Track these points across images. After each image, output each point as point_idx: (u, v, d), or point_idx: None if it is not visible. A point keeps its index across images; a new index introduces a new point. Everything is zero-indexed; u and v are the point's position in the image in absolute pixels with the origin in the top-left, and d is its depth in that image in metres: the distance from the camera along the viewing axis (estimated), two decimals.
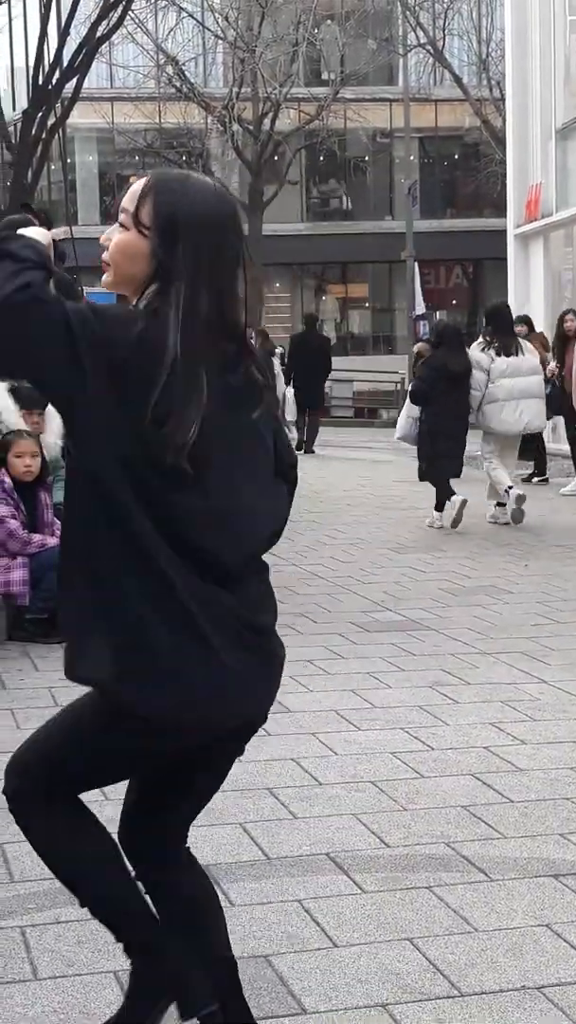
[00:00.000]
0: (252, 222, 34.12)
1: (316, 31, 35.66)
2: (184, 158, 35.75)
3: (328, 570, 8.90)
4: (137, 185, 2.43)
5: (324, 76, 37.51)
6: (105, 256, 2.47)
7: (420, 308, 29.00)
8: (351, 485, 14.12)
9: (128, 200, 2.42)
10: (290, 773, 4.64)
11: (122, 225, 2.42)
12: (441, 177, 40.82)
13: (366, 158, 40.69)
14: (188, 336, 2.31)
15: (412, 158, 34.66)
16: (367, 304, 41.61)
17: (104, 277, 2.50)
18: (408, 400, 11.45)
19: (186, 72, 33.41)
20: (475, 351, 10.91)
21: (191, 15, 33.96)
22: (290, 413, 19.65)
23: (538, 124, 20.41)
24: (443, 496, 10.74)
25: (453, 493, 10.61)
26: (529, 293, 20.77)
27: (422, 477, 11.11)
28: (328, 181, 41.16)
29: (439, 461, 10.76)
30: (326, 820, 4.18)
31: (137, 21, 29.83)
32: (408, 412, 11.29)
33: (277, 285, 39.95)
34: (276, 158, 34.93)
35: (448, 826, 4.13)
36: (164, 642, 2.35)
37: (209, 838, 3.93)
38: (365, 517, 11.63)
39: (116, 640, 2.36)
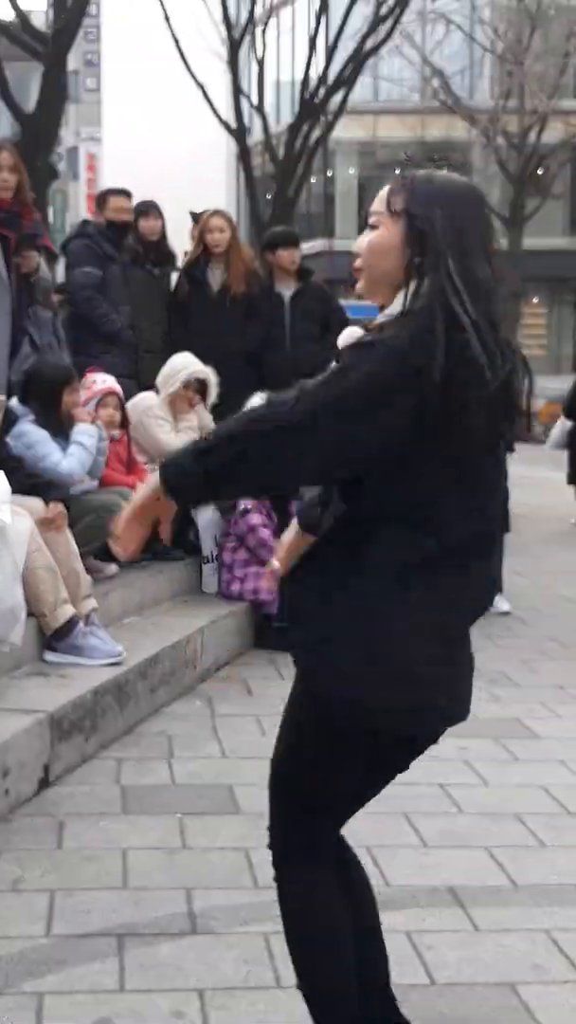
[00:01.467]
0: (512, 236, 33.81)
1: None
2: (445, 171, 35.66)
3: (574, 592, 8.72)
4: (383, 190, 2.47)
5: None
6: (357, 263, 2.50)
7: None
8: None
9: (377, 202, 2.47)
10: (539, 800, 4.56)
11: (372, 226, 2.46)
12: None
13: None
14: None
15: None
16: None
17: (358, 285, 2.53)
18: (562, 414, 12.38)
19: (451, 85, 33.38)
20: None
21: (460, 27, 33.91)
22: None
23: None
24: None
25: None
26: None
27: (570, 480, 12.02)
28: None
29: None
30: (456, 852, 4.07)
31: (405, 34, 29.96)
32: (562, 425, 12.34)
33: (535, 300, 39.47)
34: (540, 171, 34.53)
35: None
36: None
37: (454, 860, 3.89)
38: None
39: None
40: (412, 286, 2.35)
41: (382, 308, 2.51)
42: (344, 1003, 2.56)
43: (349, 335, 2.63)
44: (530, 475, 14.17)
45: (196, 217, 8.25)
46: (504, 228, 34.05)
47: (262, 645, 6.76)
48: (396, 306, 2.39)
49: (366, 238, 2.47)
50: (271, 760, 2.61)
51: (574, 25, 33.06)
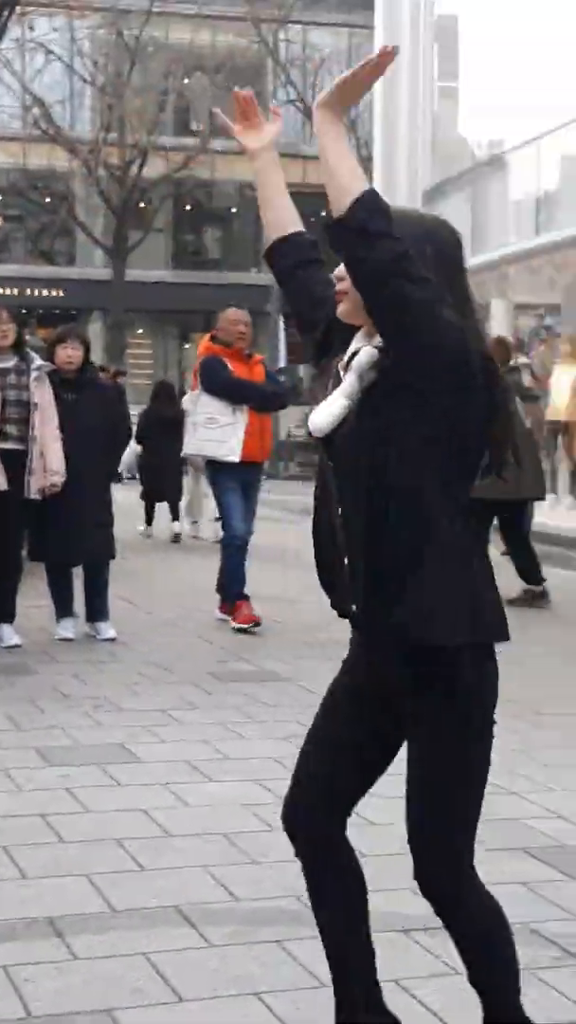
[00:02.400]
0: (116, 267, 34.12)
1: (186, 81, 35.97)
2: (48, 200, 35.59)
3: (183, 619, 8.83)
4: None
5: (193, 127, 37.75)
6: (342, 286, 2.65)
7: (283, 361, 29.21)
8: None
9: None
10: (139, 824, 4.56)
11: None
12: (308, 232, 41.24)
13: (233, 210, 40.98)
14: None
15: None
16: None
17: (341, 307, 2.68)
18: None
19: (52, 115, 33.34)
20: None
21: (59, 58, 33.94)
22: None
23: (404, 186, 20.82)
24: None
25: None
26: None
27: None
28: (194, 230, 41.34)
29: None
30: (175, 872, 4.11)
31: (3, 61, 29.72)
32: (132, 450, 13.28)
33: (140, 331, 39.92)
34: (142, 205, 35.00)
35: (299, 880, 4.03)
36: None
37: (53, 890, 3.83)
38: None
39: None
40: None
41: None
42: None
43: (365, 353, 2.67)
44: (127, 500, 14.32)
45: None
46: (108, 259, 34.31)
47: None
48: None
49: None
50: (416, 816, 2.80)
51: (171, 63, 33.78)
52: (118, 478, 12.70)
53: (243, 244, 41.07)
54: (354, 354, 2.65)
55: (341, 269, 2.66)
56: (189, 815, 4.69)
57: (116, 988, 3.30)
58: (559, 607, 9.58)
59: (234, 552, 8.65)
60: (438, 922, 3.72)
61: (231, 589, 8.67)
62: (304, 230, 3.04)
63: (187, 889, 3.97)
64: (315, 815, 2.92)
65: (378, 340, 2.61)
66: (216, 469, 8.60)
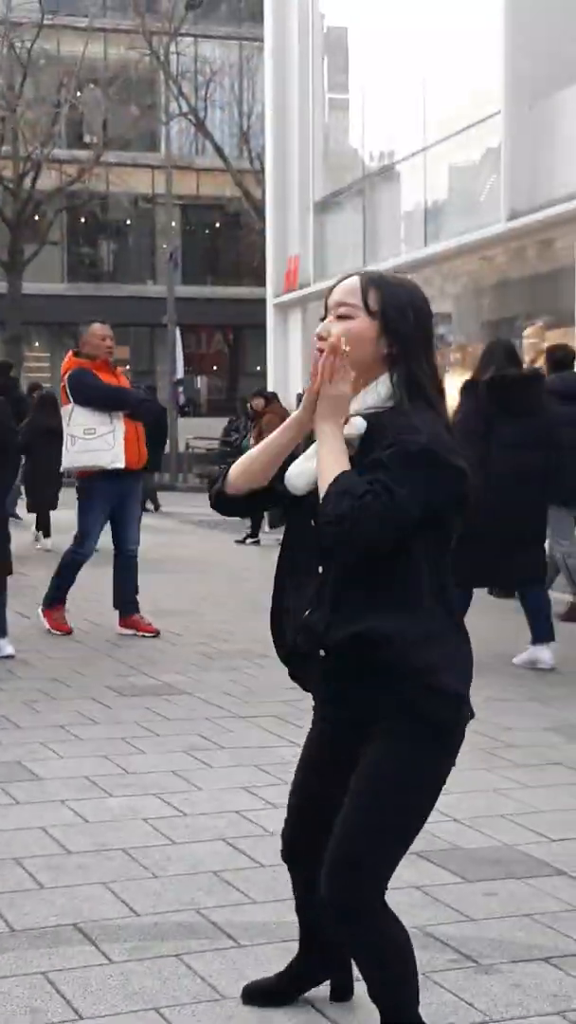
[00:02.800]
0: (12, 281, 33.86)
1: (79, 94, 35.83)
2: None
3: (83, 633, 8.79)
4: (351, 283, 2.84)
5: (86, 139, 37.61)
6: (323, 346, 2.77)
7: (180, 373, 29.18)
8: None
9: (347, 295, 2.82)
10: (38, 842, 4.54)
11: (345, 316, 2.80)
12: (202, 244, 41.33)
13: (128, 222, 40.90)
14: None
15: (174, 224, 34.98)
16: (128, 367, 41.59)
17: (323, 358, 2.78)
18: None
19: None
20: None
21: None
22: None
23: (296, 197, 20.93)
24: None
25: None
26: (288, 361, 21.17)
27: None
28: (89, 243, 41.18)
29: None
30: (74, 890, 4.10)
31: None
32: None
33: (36, 344, 39.63)
34: (37, 217, 34.78)
35: (199, 892, 4.10)
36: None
37: None
38: None
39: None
40: (393, 375, 2.80)
41: None
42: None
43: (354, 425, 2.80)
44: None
45: None
46: (3, 273, 34.02)
47: None
48: (373, 394, 2.81)
49: (339, 326, 2.79)
50: (354, 825, 2.80)
51: (64, 76, 33.62)
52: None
53: (138, 256, 41.02)
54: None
55: (323, 327, 2.81)
56: (88, 831, 4.67)
57: (14, 1008, 3.28)
58: None
59: (74, 568, 8.73)
60: None
61: (57, 595, 8.77)
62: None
63: (87, 906, 3.96)
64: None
65: (368, 401, 2.81)
66: (93, 482, 8.60)
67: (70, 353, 8.93)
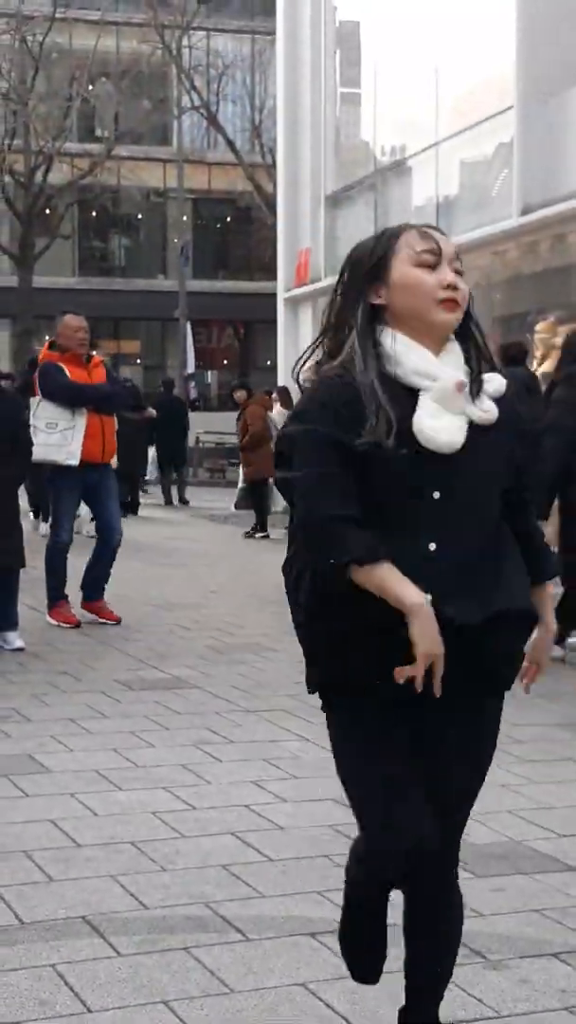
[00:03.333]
0: (22, 275, 33.89)
1: (91, 88, 35.84)
2: None
3: (93, 627, 8.80)
4: (451, 243, 2.73)
5: (98, 133, 37.61)
6: (458, 296, 2.66)
7: (191, 367, 29.20)
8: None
9: (456, 252, 2.72)
10: (47, 835, 4.54)
11: (459, 272, 2.68)
12: (214, 238, 41.32)
13: (139, 216, 40.90)
14: None
15: (185, 218, 35.00)
16: (139, 361, 41.67)
17: (454, 315, 2.67)
18: None
19: None
20: None
21: None
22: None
23: (308, 191, 20.90)
24: None
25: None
26: (299, 355, 21.11)
27: None
28: (101, 237, 41.19)
29: None
30: (83, 883, 4.10)
31: None
32: None
33: (47, 338, 39.61)
34: (48, 211, 34.80)
35: (207, 886, 4.11)
36: None
37: None
38: (129, 573, 11.57)
39: None
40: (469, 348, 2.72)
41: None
42: None
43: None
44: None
45: None
46: (14, 266, 34.05)
47: None
48: (456, 354, 2.69)
49: (461, 281, 2.67)
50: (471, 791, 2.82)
51: (76, 70, 33.62)
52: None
53: (150, 250, 41.01)
54: (475, 380, 2.68)
55: (453, 276, 2.66)
56: (97, 824, 4.68)
57: (23, 1001, 3.29)
58: None
59: (56, 555, 8.82)
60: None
61: (54, 594, 8.87)
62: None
63: (96, 899, 3.97)
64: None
65: (459, 365, 2.70)
66: (58, 473, 8.72)
67: (46, 344, 9.08)
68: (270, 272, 26.68)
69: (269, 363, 29.97)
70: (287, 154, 21.61)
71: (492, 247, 15.89)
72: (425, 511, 2.58)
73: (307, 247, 20.84)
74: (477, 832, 4.62)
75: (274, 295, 22.53)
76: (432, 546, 2.58)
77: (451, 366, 2.65)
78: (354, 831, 4.61)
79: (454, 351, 2.68)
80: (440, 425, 2.58)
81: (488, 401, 2.67)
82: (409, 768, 2.69)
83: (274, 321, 22.48)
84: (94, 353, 9.13)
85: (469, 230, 15.70)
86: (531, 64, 14.01)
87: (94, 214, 39.46)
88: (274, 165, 25.57)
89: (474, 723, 2.77)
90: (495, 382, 2.69)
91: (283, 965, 3.53)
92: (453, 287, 2.63)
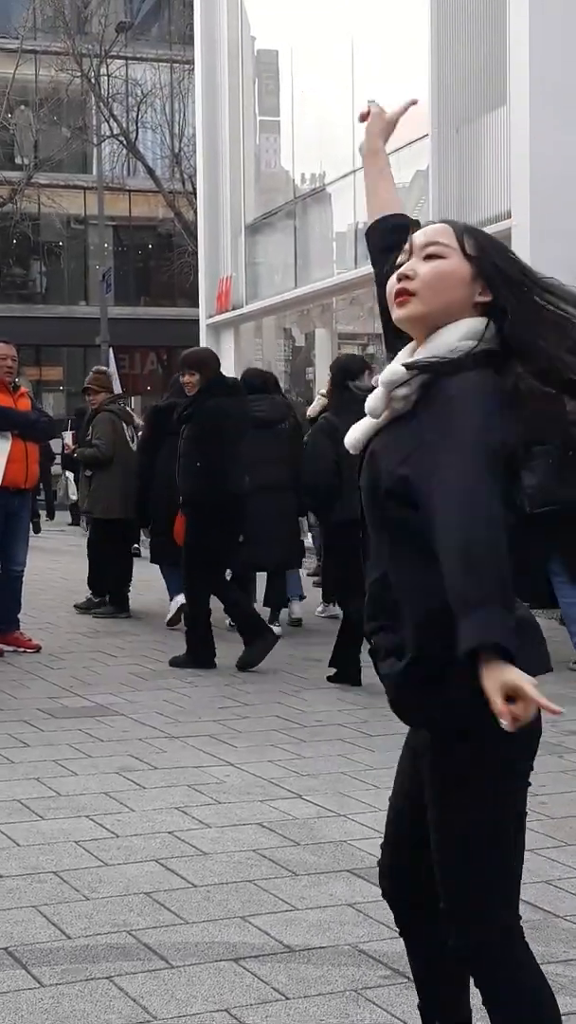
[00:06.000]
0: None
1: (9, 115, 35.74)
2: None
3: (14, 655, 8.73)
4: (441, 226, 2.52)
5: (18, 160, 37.48)
6: (409, 285, 2.46)
7: (118, 390, 29.09)
8: (40, 568, 13.94)
9: (438, 235, 2.49)
10: None
11: (435, 256, 2.47)
12: (135, 265, 41.27)
13: (60, 243, 40.76)
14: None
15: (106, 245, 34.93)
16: (61, 387, 41.45)
17: (405, 310, 2.48)
18: None
19: None
20: None
21: None
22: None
23: (228, 219, 20.97)
24: None
25: None
26: None
27: None
28: (21, 264, 40.99)
29: None
30: (5, 914, 4.06)
31: None
32: None
33: None
34: None
35: (131, 914, 4.09)
36: None
37: None
38: (54, 602, 11.50)
39: None
40: (486, 322, 2.42)
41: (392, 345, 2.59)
42: None
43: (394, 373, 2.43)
44: None
45: None
46: None
47: None
48: (450, 335, 2.42)
49: (426, 265, 2.47)
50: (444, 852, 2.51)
51: None
52: None
53: (71, 277, 40.87)
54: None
55: (407, 265, 2.50)
56: (19, 855, 4.64)
57: None
58: None
59: None
60: (268, 950, 3.78)
61: None
62: (402, 213, 2.92)
63: (18, 930, 3.93)
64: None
65: (425, 350, 2.45)
66: None
67: None
68: (192, 298, 26.73)
69: None
70: (207, 182, 21.68)
71: None
72: None
73: (228, 274, 20.90)
74: None
75: (196, 321, 22.56)
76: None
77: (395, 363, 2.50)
78: (279, 853, 4.63)
79: (442, 333, 2.47)
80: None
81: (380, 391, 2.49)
82: None
83: (197, 347, 22.50)
84: (18, 381, 9.08)
85: None
86: (444, 94, 14.19)
87: (14, 241, 39.28)
88: (194, 192, 25.63)
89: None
90: (390, 371, 2.47)
91: (207, 991, 3.52)
92: (401, 277, 2.50)
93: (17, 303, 39.35)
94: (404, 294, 2.48)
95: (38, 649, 8.85)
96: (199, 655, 8.23)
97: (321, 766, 5.82)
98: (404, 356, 2.51)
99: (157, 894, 4.24)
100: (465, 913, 2.50)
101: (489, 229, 13.48)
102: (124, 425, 10.78)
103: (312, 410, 11.56)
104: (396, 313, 2.51)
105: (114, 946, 3.82)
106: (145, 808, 5.22)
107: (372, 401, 2.49)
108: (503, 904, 2.50)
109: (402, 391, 2.43)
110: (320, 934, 3.89)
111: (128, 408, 11.26)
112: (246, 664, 8.13)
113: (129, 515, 10.19)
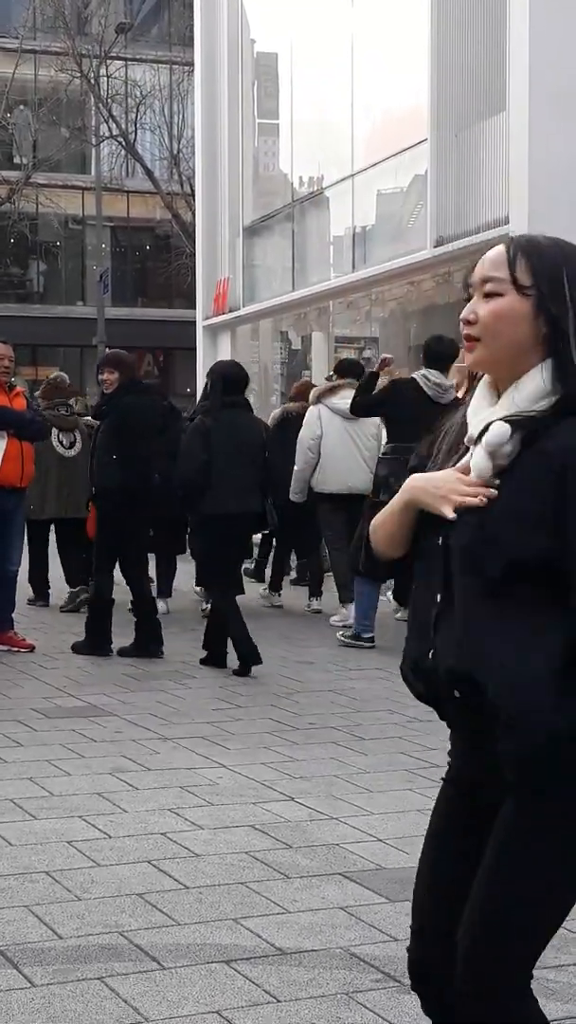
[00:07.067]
0: None
1: (8, 115, 35.74)
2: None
3: (8, 655, 8.73)
4: (497, 253, 2.34)
5: (16, 160, 37.48)
6: (472, 331, 2.33)
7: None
8: None
9: (493, 268, 2.33)
10: None
11: (492, 294, 2.31)
12: (133, 266, 41.27)
13: (58, 243, 40.75)
14: None
15: (104, 246, 34.94)
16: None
17: (472, 357, 2.35)
18: None
19: None
20: None
21: None
22: None
23: (226, 220, 20.97)
24: None
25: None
26: None
27: None
28: (19, 264, 40.98)
29: None
30: None
31: None
32: None
33: None
34: None
35: (122, 915, 4.09)
36: None
37: None
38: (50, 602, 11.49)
39: None
40: (548, 362, 2.28)
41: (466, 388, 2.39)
42: None
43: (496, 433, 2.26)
44: None
45: None
46: None
47: None
48: (533, 386, 2.28)
49: (485, 307, 2.31)
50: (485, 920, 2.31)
51: None
52: None
53: (68, 277, 40.87)
54: (485, 428, 2.30)
55: (468, 308, 2.34)
56: (11, 854, 4.64)
57: None
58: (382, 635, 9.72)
59: None
60: (259, 952, 3.79)
61: None
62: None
63: (10, 930, 3.94)
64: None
65: (513, 403, 2.30)
66: None
67: None
68: (189, 299, 26.71)
69: (189, 390, 29.93)
70: (206, 184, 21.68)
71: (408, 277, 16.05)
72: None
73: (226, 276, 20.90)
74: (393, 857, 4.65)
75: (193, 322, 22.56)
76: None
77: (504, 404, 2.34)
78: (271, 856, 4.64)
79: (522, 383, 2.32)
80: None
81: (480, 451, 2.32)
82: None
83: (194, 348, 22.50)
84: (14, 381, 9.08)
85: (385, 261, 15.85)
86: (444, 98, 14.20)
87: (12, 241, 39.26)
88: (192, 194, 25.64)
89: None
90: (494, 433, 2.29)
91: (198, 993, 3.53)
92: (464, 322, 2.35)
93: (14, 303, 39.33)
94: (470, 340, 2.35)
95: (32, 649, 8.86)
96: (96, 642, 8.74)
97: (314, 769, 5.83)
98: (483, 399, 2.38)
99: (149, 895, 4.25)
100: (489, 961, 2.31)
101: (487, 234, 13.54)
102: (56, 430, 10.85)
103: (275, 416, 12.04)
104: (467, 360, 2.39)
105: (106, 947, 3.83)
106: (138, 809, 5.22)
107: (480, 464, 2.29)
108: (532, 958, 2.35)
109: (507, 448, 2.28)
110: (312, 937, 3.90)
111: (63, 412, 11.32)
112: (125, 652, 8.67)
113: (49, 515, 10.84)
